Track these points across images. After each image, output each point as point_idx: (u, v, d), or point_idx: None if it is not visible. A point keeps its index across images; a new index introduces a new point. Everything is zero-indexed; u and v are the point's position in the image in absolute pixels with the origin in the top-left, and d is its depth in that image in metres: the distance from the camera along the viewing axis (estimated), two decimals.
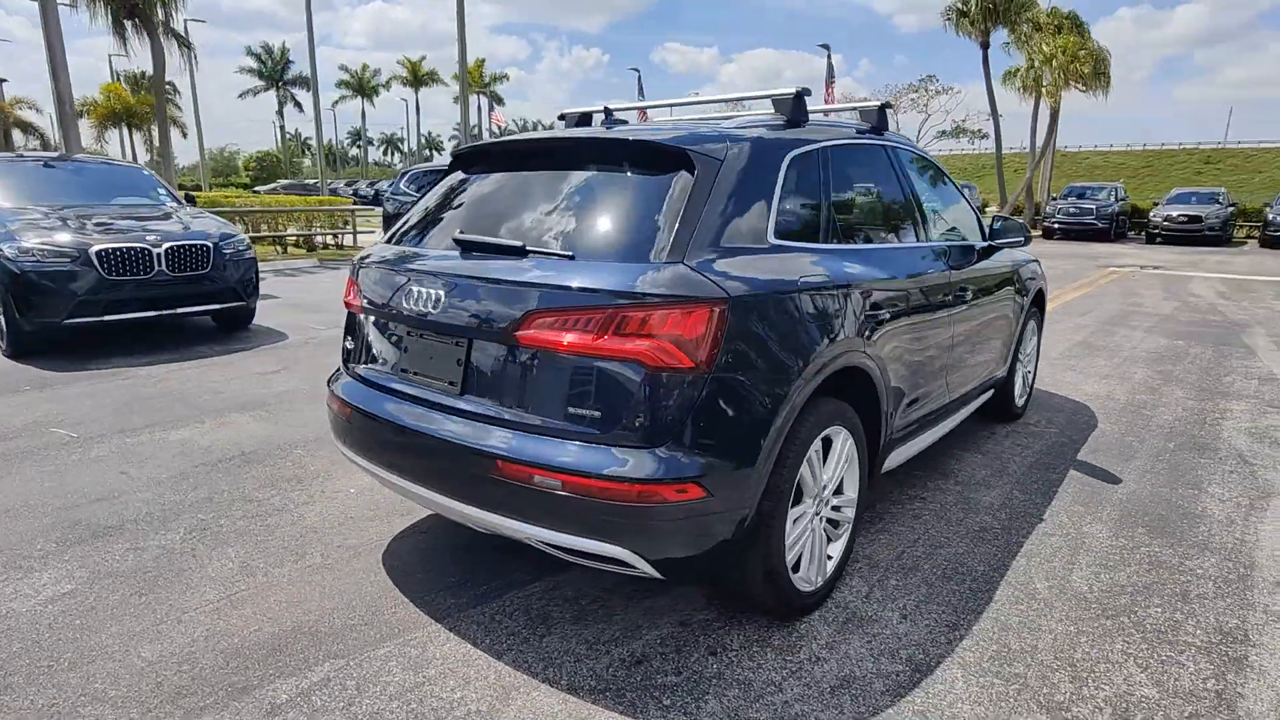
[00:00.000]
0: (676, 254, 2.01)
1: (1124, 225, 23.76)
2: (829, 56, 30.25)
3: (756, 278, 2.11)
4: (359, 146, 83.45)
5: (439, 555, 2.76)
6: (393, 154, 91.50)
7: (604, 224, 2.20)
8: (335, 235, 15.77)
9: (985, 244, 3.75)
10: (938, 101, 36.35)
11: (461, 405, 2.19)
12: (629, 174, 2.28)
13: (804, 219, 2.49)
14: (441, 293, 2.24)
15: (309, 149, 75.43)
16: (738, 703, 1.99)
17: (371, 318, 2.57)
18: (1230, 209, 21.96)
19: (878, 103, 3.27)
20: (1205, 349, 6.71)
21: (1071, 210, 22.92)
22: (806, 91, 2.68)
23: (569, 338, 1.96)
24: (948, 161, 52.67)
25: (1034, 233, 24.44)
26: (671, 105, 3.51)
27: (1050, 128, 26.08)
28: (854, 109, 3.34)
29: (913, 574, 2.68)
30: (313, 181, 40.19)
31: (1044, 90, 24.43)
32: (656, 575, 2.03)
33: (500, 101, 61.69)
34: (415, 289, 2.31)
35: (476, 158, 2.73)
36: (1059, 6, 25.67)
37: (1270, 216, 20.34)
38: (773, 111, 2.76)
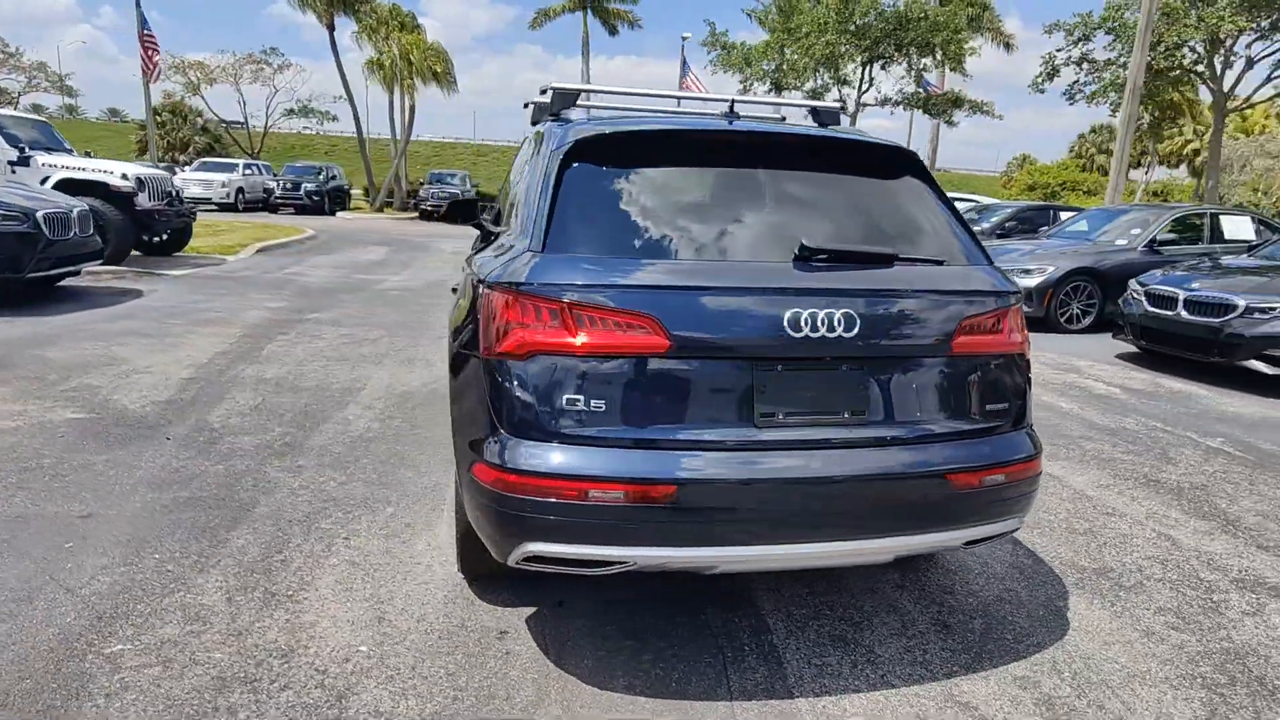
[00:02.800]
0: (987, 256, 2.31)
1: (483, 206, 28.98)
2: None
3: None
4: None
5: None
6: None
7: (918, 228, 2.29)
8: None
9: None
10: (283, 78, 35.62)
11: (870, 433, 2.04)
12: (876, 176, 2.37)
13: None
14: (841, 312, 1.99)
15: None
16: None
17: (684, 360, 1.97)
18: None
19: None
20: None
21: (441, 194, 26.69)
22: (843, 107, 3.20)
23: (989, 340, 2.16)
24: (305, 142, 51.54)
25: (412, 214, 27.68)
26: (661, 96, 3.43)
27: (410, 119, 29.16)
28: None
29: None
30: None
31: (405, 84, 27.14)
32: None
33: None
34: (796, 313, 1.98)
35: (640, 148, 2.29)
36: (399, 4, 28.54)
37: None
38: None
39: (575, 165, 2.23)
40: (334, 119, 41.16)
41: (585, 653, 2.30)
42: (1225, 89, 17.72)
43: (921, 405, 2.12)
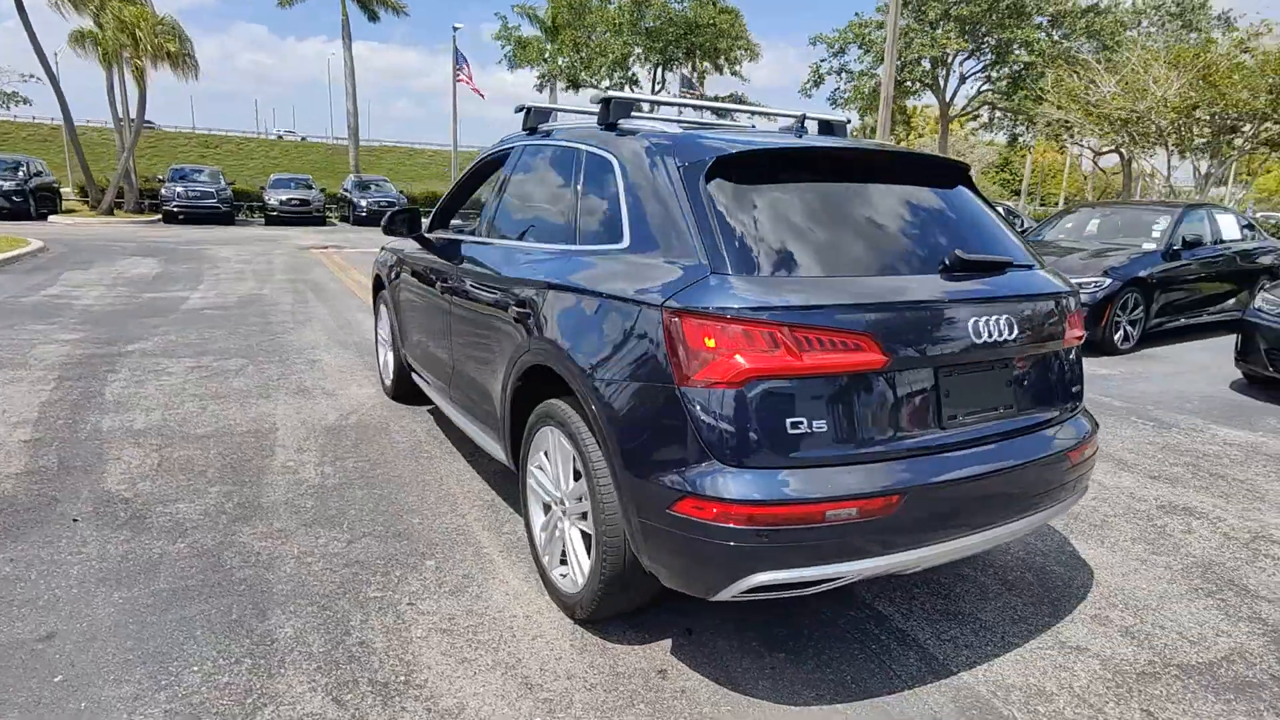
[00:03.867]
0: (1038, 258, 2.62)
1: (237, 207, 25.51)
2: None
3: None
4: None
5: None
6: None
7: (992, 235, 2.50)
8: None
9: None
10: None
11: (1020, 423, 2.29)
12: (947, 187, 2.55)
13: None
14: (1003, 317, 2.21)
15: None
16: None
17: (892, 374, 2.04)
18: (322, 192, 26.42)
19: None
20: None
21: (193, 193, 23.11)
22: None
23: (1077, 332, 2.50)
24: None
25: (151, 216, 23.63)
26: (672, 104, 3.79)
27: (141, 106, 24.76)
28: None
29: None
30: None
31: (134, 66, 23.00)
32: None
33: None
34: (976, 322, 2.14)
35: (777, 166, 2.30)
36: None
37: (353, 200, 25.77)
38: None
39: (718, 182, 2.19)
40: (25, 102, 33.58)
41: (751, 674, 2.28)
42: (947, 99, 21.31)
43: (1047, 394, 2.40)
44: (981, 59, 19.36)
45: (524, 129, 3.43)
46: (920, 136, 36.34)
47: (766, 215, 2.18)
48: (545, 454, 2.62)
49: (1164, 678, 2.34)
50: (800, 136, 2.70)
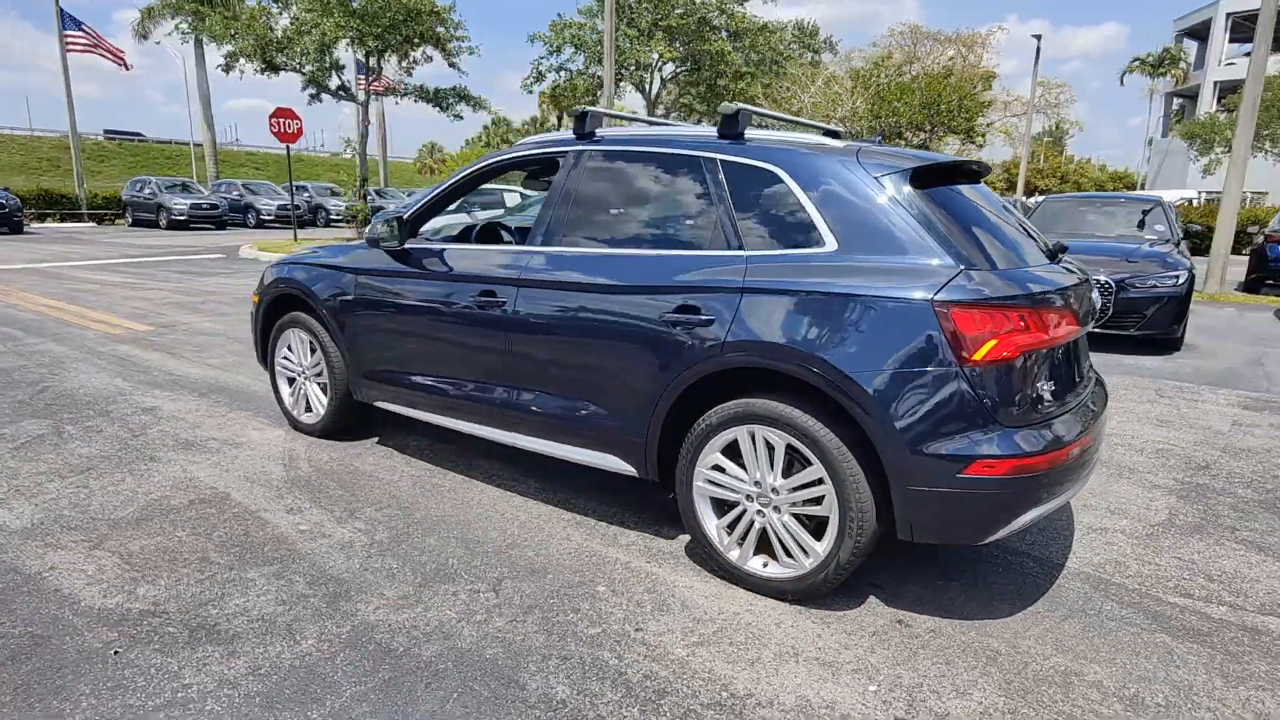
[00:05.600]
0: None
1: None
2: None
3: None
4: None
5: None
6: None
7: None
8: None
9: None
10: None
11: (1090, 376, 3.00)
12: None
13: None
14: (1094, 291, 2.95)
15: None
16: None
17: (1075, 341, 2.70)
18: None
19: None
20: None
21: None
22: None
23: None
24: None
25: None
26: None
27: None
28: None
29: None
30: None
31: None
32: None
33: None
34: (1090, 295, 2.85)
35: (941, 177, 2.74)
36: None
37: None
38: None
39: (918, 190, 2.57)
40: None
41: (961, 609, 2.69)
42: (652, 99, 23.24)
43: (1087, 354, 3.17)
44: (680, 67, 21.53)
45: (576, 133, 3.31)
46: None
47: (957, 217, 2.58)
48: (727, 454, 2.71)
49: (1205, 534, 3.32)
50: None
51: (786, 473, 2.61)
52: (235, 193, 27.22)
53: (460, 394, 3.52)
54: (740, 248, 2.74)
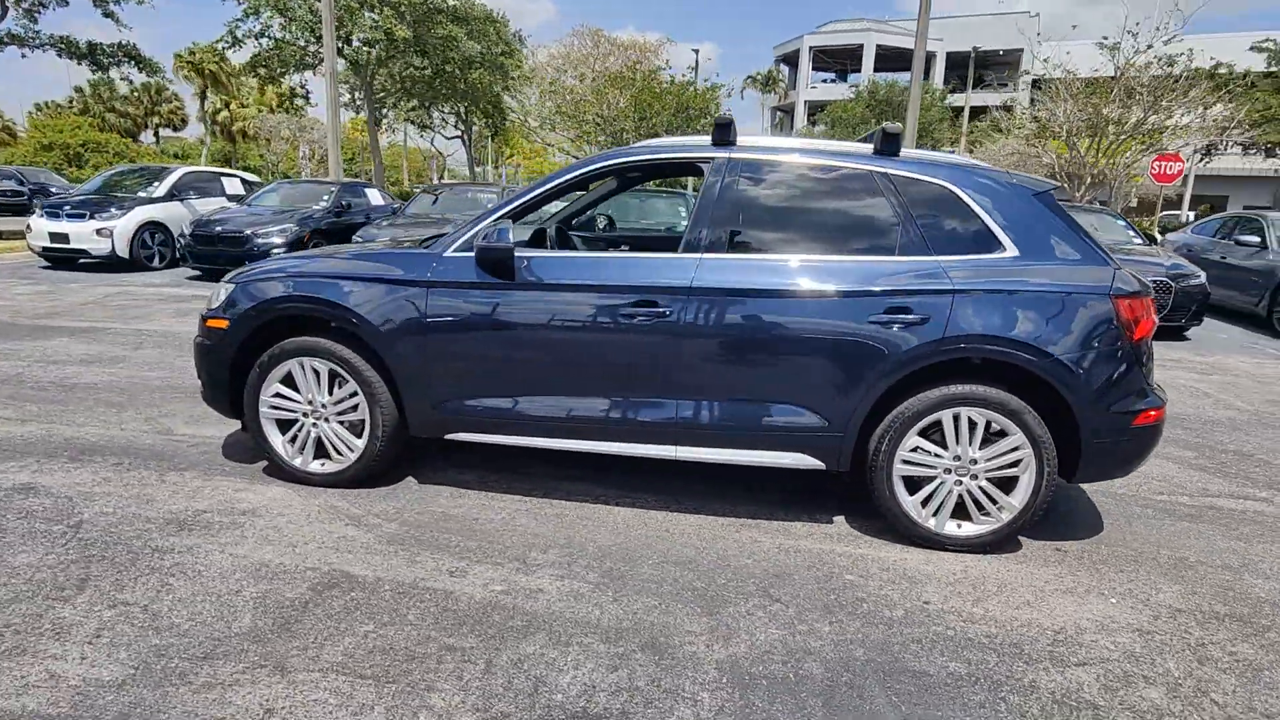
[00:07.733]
0: None
1: None
2: None
3: None
4: None
5: None
6: None
7: None
8: None
9: None
10: None
11: None
12: None
13: None
14: None
15: None
16: None
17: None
18: None
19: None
20: None
21: None
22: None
23: None
24: None
25: None
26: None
27: None
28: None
29: None
30: None
31: None
32: None
33: None
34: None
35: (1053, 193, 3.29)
36: None
37: None
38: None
39: (1054, 204, 3.24)
40: None
41: (1074, 533, 3.47)
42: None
43: None
44: (407, 49, 19.55)
45: (716, 141, 3.30)
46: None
47: (1082, 226, 3.29)
48: (928, 434, 3.11)
49: None
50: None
51: (983, 445, 3.10)
52: None
53: (595, 413, 3.28)
54: (931, 253, 3.12)
